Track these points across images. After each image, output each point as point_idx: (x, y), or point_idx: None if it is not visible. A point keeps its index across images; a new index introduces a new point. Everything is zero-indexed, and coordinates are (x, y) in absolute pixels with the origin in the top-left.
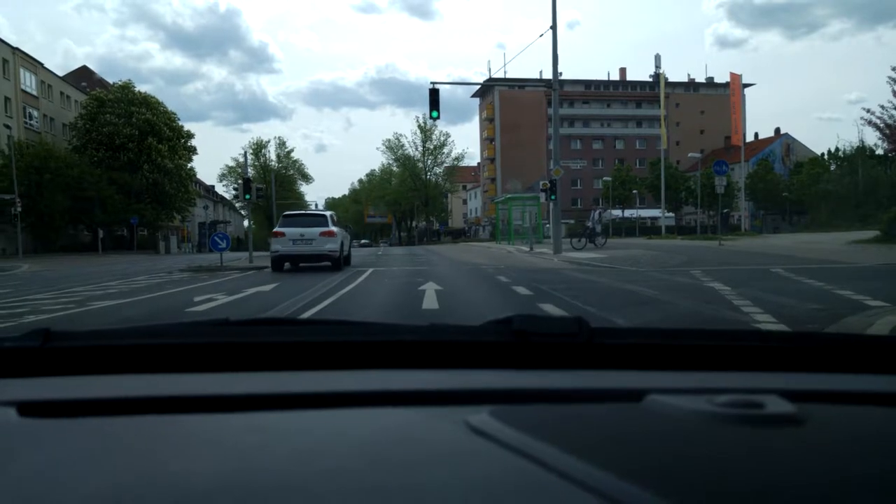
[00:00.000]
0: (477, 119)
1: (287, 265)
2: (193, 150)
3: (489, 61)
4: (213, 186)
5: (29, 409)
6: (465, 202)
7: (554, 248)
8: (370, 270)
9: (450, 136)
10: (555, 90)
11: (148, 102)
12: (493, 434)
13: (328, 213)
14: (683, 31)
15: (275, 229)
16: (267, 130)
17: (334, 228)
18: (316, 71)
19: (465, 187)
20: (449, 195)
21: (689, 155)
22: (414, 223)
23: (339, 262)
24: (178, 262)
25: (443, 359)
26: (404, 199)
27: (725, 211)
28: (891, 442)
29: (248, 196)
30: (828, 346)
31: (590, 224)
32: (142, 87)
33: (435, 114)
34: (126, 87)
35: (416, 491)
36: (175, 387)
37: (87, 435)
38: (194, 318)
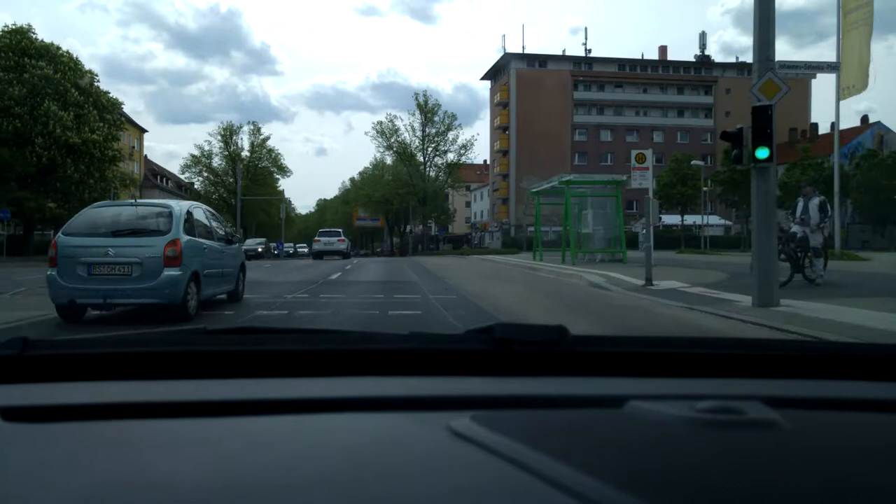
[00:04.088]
0: (483, 120)
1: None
2: (117, 125)
3: (504, 36)
4: (191, 185)
5: (11, 414)
6: (468, 204)
7: (759, 292)
8: None
9: (455, 118)
10: None
11: (50, 54)
12: (475, 438)
13: (340, 230)
14: (690, 38)
15: (315, 238)
16: (269, 133)
17: (344, 238)
18: (318, 74)
19: (468, 188)
20: (451, 193)
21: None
22: (409, 227)
23: (347, 255)
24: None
25: (425, 366)
26: (397, 198)
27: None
28: (872, 448)
29: None
30: (810, 353)
31: (799, 228)
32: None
33: None
34: (19, 32)
35: (398, 495)
36: (155, 393)
37: (70, 439)
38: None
